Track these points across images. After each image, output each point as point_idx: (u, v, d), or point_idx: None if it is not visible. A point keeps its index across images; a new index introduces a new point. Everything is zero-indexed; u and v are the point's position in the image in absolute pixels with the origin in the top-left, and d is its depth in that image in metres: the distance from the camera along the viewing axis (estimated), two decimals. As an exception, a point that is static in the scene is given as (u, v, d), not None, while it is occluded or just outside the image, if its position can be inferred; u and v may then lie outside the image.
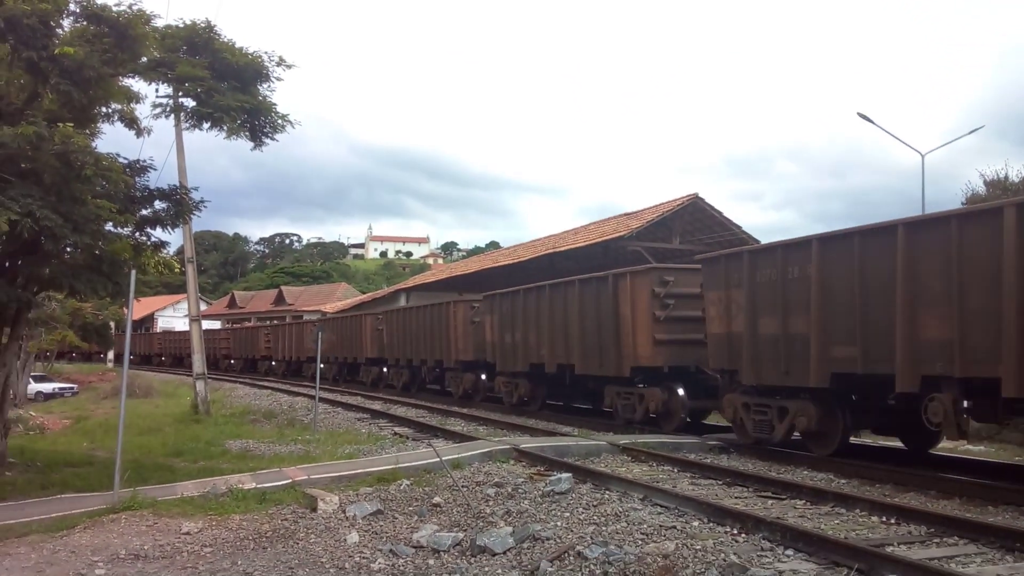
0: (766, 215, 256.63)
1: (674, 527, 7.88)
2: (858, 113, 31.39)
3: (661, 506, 8.94)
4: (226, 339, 55.31)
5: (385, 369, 30.94)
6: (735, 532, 7.73)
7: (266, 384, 35.94)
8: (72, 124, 10.98)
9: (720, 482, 10.58)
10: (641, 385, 16.12)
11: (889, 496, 9.48)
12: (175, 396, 31.27)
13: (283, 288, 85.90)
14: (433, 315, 26.03)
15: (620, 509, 8.68)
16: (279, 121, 13.99)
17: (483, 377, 23.43)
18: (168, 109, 16.46)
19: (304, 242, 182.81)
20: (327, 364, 35.71)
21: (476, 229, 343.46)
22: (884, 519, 8.23)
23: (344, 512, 9.20)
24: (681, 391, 15.46)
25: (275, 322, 56.24)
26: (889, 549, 6.91)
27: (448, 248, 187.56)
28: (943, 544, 7.30)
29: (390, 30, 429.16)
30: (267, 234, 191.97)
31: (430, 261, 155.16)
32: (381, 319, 31.36)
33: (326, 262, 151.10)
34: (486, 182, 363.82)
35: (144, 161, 13.54)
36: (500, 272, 37.56)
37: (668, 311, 15.44)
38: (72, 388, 39.19)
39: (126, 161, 12.82)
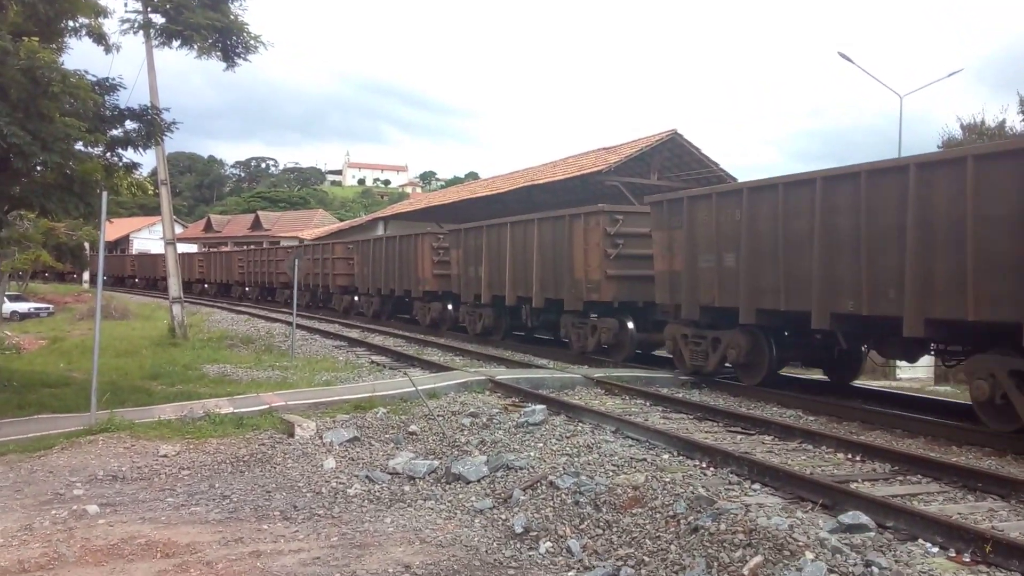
0: (745, 154, 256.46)
1: (644, 459, 8.05)
2: (839, 52, 31.20)
3: (632, 439, 9.12)
4: (202, 263, 54.87)
5: (356, 298, 31.43)
6: (704, 466, 7.91)
7: (243, 309, 35.84)
8: (38, 39, 10.65)
9: (691, 416, 10.77)
10: (594, 316, 16.74)
11: (856, 434, 9.71)
12: (152, 319, 31.16)
13: (260, 213, 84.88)
14: (401, 246, 26.53)
15: (592, 441, 8.85)
16: (251, 41, 13.70)
17: (449, 307, 24.12)
18: (136, 25, 16.01)
19: (281, 167, 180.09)
20: (300, 291, 35.78)
21: (455, 158, 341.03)
22: (850, 456, 8.44)
23: (321, 438, 9.31)
24: (631, 324, 16.11)
25: (250, 247, 55.77)
26: (853, 486, 7.11)
27: (427, 177, 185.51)
28: (906, 482, 7.51)
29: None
30: (243, 157, 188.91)
31: (408, 190, 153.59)
32: (352, 249, 31.82)
33: (303, 188, 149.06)
34: (463, 112, 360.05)
35: (113, 79, 13.19)
36: (478, 203, 37.26)
37: (619, 249, 15.96)
38: (48, 308, 38.89)
39: (94, 79, 12.49)
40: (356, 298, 31.39)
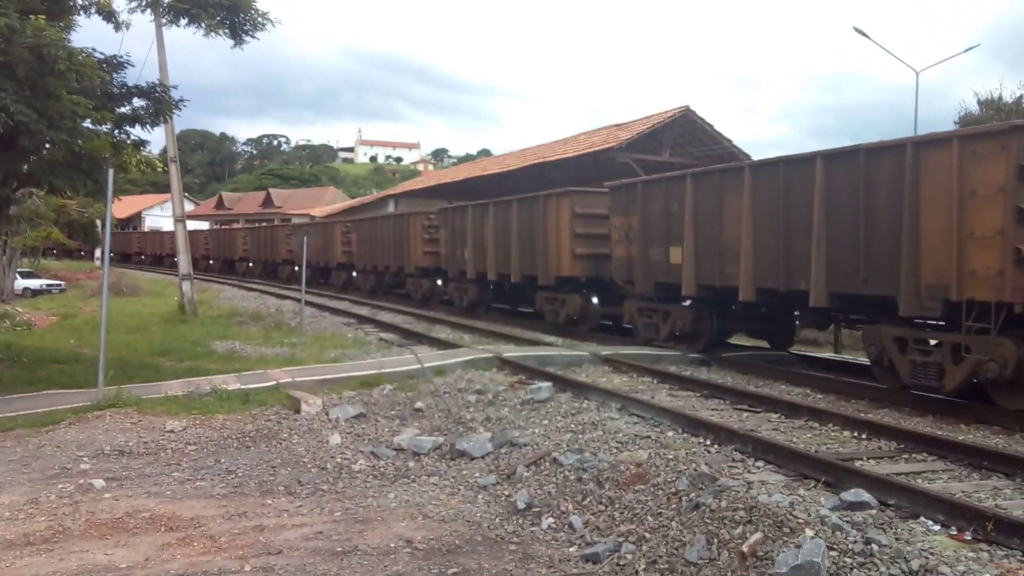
0: (760, 128, 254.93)
1: (649, 437, 8.05)
2: (854, 28, 30.85)
3: (638, 416, 9.11)
4: (205, 240, 55.13)
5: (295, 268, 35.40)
6: (708, 443, 7.90)
7: (253, 286, 35.97)
8: (44, 16, 10.62)
9: (698, 394, 10.75)
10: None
11: (863, 412, 9.67)
12: (163, 296, 31.23)
13: (271, 190, 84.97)
14: (397, 225, 27.99)
15: (597, 418, 8.84)
16: (259, 19, 13.56)
17: (439, 283, 25.87)
18: (144, 3, 15.90)
19: (292, 144, 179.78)
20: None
21: (467, 136, 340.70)
22: (856, 434, 8.41)
23: (327, 414, 9.34)
24: (595, 299, 17.93)
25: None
26: (857, 463, 7.09)
27: (439, 155, 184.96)
28: (912, 460, 7.48)
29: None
30: (255, 135, 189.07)
31: (420, 167, 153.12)
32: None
33: (315, 165, 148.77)
34: (477, 89, 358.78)
35: (121, 57, 13.13)
36: (490, 180, 37.18)
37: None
38: (60, 285, 39.02)
39: (102, 56, 12.44)
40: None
